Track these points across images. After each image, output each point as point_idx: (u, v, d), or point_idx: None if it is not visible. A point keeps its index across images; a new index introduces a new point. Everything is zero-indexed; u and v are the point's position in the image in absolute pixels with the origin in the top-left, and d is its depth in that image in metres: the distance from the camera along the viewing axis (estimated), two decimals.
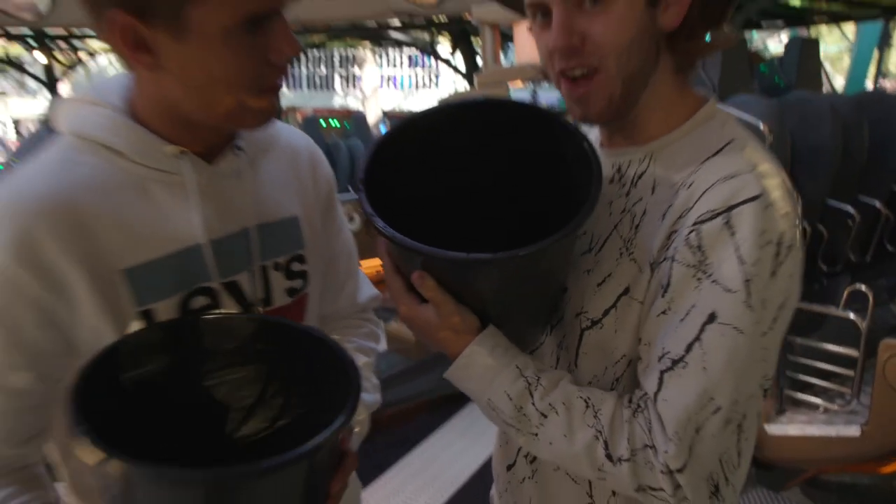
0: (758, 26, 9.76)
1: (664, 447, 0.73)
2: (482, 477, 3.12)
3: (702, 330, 0.72)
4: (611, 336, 0.82)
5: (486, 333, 0.79)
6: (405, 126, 0.82)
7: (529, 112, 0.82)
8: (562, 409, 0.78)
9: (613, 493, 0.87)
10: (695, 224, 0.73)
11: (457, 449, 3.60)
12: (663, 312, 0.76)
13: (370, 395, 1.02)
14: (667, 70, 0.82)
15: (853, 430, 1.92)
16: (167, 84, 0.72)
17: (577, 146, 0.77)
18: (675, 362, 0.74)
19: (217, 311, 0.80)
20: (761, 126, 2.10)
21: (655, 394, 0.75)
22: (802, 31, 12.52)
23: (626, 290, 0.80)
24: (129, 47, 0.68)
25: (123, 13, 0.66)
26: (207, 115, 0.74)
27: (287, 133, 0.94)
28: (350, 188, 6.72)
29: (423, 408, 4.11)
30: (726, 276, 0.72)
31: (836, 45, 18.79)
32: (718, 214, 0.72)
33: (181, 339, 0.73)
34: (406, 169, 0.80)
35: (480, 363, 0.79)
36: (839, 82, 14.52)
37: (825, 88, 11.28)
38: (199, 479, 0.57)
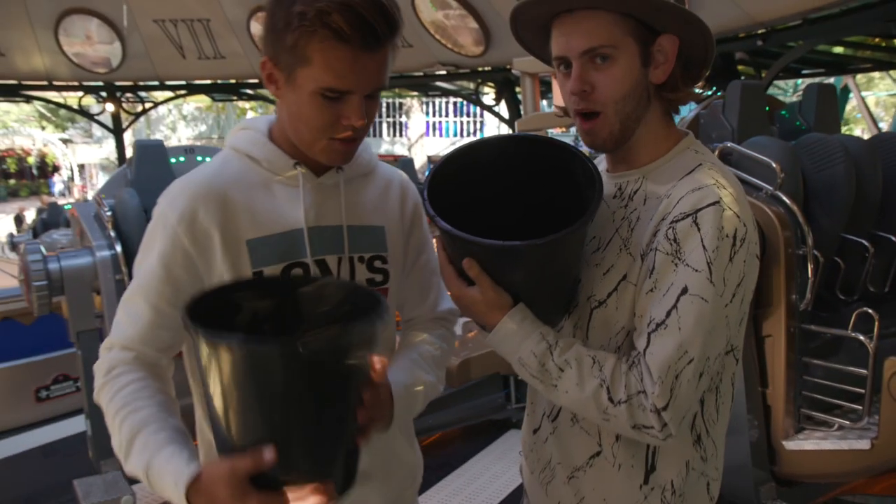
0: (798, 74, 9.87)
1: (651, 389, 0.97)
2: (516, 498, 3.27)
3: (677, 300, 0.97)
4: (613, 313, 1.07)
5: (517, 308, 1.04)
6: (458, 151, 1.11)
7: (553, 143, 1.11)
8: (574, 364, 1.02)
9: (616, 438, 1.09)
10: (671, 223, 0.99)
11: (493, 472, 3.75)
12: (650, 290, 1.01)
13: (429, 376, 1.20)
14: (656, 112, 1.09)
15: (864, 444, 2.05)
16: (283, 110, 1.06)
17: (586, 168, 1.05)
18: (658, 325, 0.98)
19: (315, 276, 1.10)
20: (773, 165, 2.31)
21: (645, 349, 0.99)
22: (848, 79, 12.56)
23: (625, 277, 1.06)
24: (267, 77, 1.03)
25: (268, 59, 1.02)
26: (298, 140, 1.06)
27: (385, 168, 1.24)
28: None
29: (462, 434, 4.29)
30: (694, 260, 0.97)
31: (887, 90, 18.64)
32: (688, 216, 0.98)
33: (286, 289, 1.00)
34: (457, 182, 1.08)
35: (513, 329, 1.04)
36: (884, 126, 14.35)
37: (872, 131, 11.17)
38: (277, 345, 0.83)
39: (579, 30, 1.03)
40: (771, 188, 2.34)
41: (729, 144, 2.53)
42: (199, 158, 3.87)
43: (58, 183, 27.38)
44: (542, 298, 1.08)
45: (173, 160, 3.65)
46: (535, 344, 1.03)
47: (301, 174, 1.09)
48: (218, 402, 0.87)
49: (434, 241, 1.14)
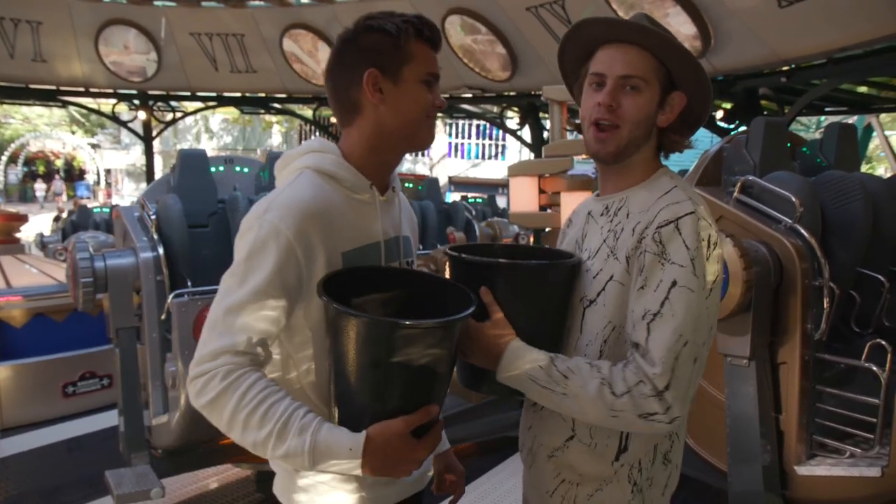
0: (821, 111, 9.93)
1: (653, 370, 1.13)
2: None
3: (668, 292, 1.16)
4: (601, 308, 1.26)
5: (518, 338, 1.25)
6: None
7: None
8: (576, 370, 1.19)
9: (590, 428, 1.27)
10: (657, 229, 1.20)
11: (507, 488, 3.83)
12: (641, 288, 1.19)
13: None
14: (651, 148, 1.32)
15: (874, 472, 2.12)
16: (385, 112, 1.25)
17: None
18: (655, 315, 1.16)
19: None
20: (793, 199, 2.41)
21: (647, 338, 1.16)
22: (871, 118, 12.59)
23: (612, 277, 1.26)
24: (371, 90, 1.24)
25: (374, 69, 1.24)
26: (404, 126, 1.26)
27: (399, 184, 1.43)
28: (421, 245, 7.19)
29: (478, 449, 4.37)
30: (679, 257, 1.17)
31: None
32: (671, 222, 1.19)
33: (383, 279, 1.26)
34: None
35: (521, 346, 1.23)
36: None
37: (894, 170, 11.10)
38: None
39: (625, 58, 1.26)
40: (790, 221, 2.44)
41: (750, 178, 2.64)
42: (238, 169, 4.02)
43: (81, 187, 27.88)
44: (534, 329, 1.28)
45: (213, 169, 3.81)
46: (540, 357, 1.22)
47: (376, 194, 1.30)
48: (364, 376, 1.09)
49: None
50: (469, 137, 21.38)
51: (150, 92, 11.35)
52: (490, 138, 21.00)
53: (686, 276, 1.16)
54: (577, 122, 1.35)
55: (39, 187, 27.52)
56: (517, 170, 4.18)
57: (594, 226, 1.35)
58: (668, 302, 1.16)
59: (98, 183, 27.90)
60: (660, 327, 1.15)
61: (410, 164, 21.90)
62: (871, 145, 15.14)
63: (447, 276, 1.37)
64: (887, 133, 13.68)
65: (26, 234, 8.83)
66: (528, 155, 10.81)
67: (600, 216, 1.34)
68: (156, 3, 9.63)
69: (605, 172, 1.36)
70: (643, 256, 1.20)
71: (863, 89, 8.47)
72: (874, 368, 2.20)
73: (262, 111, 14.20)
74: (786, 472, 2.41)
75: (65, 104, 12.31)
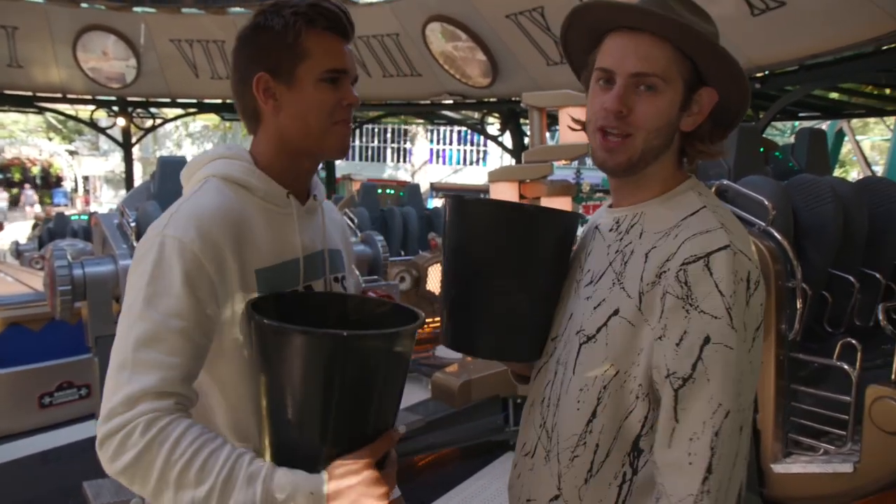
0: (795, 117, 10.13)
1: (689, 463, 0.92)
2: None
3: (701, 351, 0.93)
4: (602, 348, 1.02)
5: None
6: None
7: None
8: None
9: (585, 481, 1.04)
10: (682, 265, 0.95)
11: (490, 493, 3.83)
12: (660, 338, 0.96)
13: None
14: (673, 155, 1.07)
15: (847, 468, 2.17)
16: (283, 120, 1.10)
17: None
18: (685, 380, 0.93)
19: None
20: (766, 203, 2.47)
21: (675, 408, 0.94)
22: (843, 123, 12.86)
23: (616, 311, 1.01)
24: (263, 96, 1.09)
25: (265, 73, 1.09)
26: (307, 136, 1.11)
27: (322, 192, 1.28)
28: (402, 252, 7.21)
29: (461, 454, 4.38)
30: (711, 307, 0.93)
31: (881, 135, 19.00)
32: (700, 258, 0.94)
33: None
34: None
35: None
36: (879, 170, 14.65)
37: (866, 174, 11.40)
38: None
39: (638, 52, 1.00)
40: (763, 224, 2.49)
41: (725, 182, 2.69)
42: None
43: (58, 194, 27.46)
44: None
45: None
46: None
47: (294, 203, 1.15)
48: (314, 402, 0.95)
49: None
50: (450, 143, 21.44)
51: (130, 98, 11.26)
52: (471, 144, 21.08)
53: (722, 331, 0.92)
54: (583, 122, 1.11)
55: (2, 196, 26.74)
56: (497, 176, 4.21)
57: (601, 243, 1.11)
58: (700, 364, 0.93)
59: (76, 190, 27.51)
60: (691, 394, 0.94)
61: (392, 171, 21.91)
62: (844, 150, 15.47)
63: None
64: (858, 138, 13.98)
65: (1, 242, 8.68)
66: (509, 161, 10.88)
67: (609, 231, 1.10)
68: (135, 9, 9.56)
69: (616, 184, 1.12)
70: (665, 299, 0.96)
71: (834, 95, 8.66)
72: (845, 367, 2.25)
73: None
74: (763, 470, 2.45)
75: (41, 110, 12.17)
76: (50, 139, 27.47)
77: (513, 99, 8.70)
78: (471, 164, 20.89)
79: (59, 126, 25.89)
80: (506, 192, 4.12)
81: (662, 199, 1.06)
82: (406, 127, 20.96)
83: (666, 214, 1.04)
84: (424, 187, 19.49)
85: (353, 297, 1.22)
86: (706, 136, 1.07)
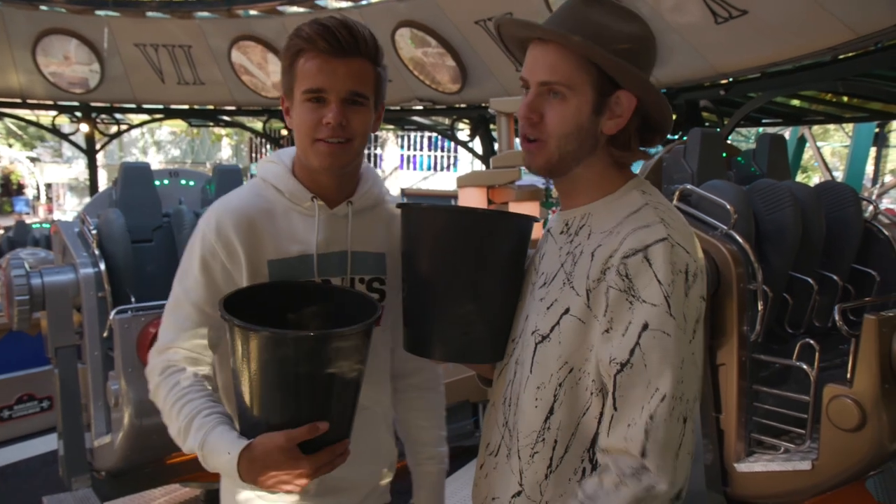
0: (759, 123, 10.37)
1: (628, 446, 0.95)
2: None
3: (639, 337, 0.96)
4: (556, 346, 1.06)
5: None
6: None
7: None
8: None
9: (546, 476, 1.08)
10: (622, 258, 1.00)
11: (460, 497, 3.80)
12: (606, 331, 1.00)
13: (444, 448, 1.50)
14: (603, 159, 1.11)
15: (806, 465, 2.21)
16: (295, 136, 1.24)
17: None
18: (623, 365, 0.97)
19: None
20: (728, 207, 2.51)
21: (613, 393, 0.97)
22: (804, 130, 13.19)
23: (567, 310, 1.06)
24: (285, 112, 1.26)
25: (283, 94, 1.26)
26: (301, 152, 1.24)
27: (391, 202, 1.40)
28: None
29: None
30: (650, 295, 0.97)
31: (840, 142, 19.58)
32: (638, 251, 0.99)
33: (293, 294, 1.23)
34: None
35: None
36: (839, 175, 15.08)
37: (826, 178, 11.76)
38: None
39: (545, 61, 1.06)
40: (725, 227, 2.54)
41: (688, 186, 2.74)
42: (183, 182, 3.94)
43: (19, 202, 26.76)
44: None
45: (158, 182, 3.73)
46: None
47: (317, 206, 1.28)
48: (254, 388, 1.07)
49: None
50: (421, 149, 21.45)
51: (94, 104, 11.03)
52: (442, 150, 21.12)
53: (661, 318, 0.96)
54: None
55: None
56: (466, 181, 4.24)
57: (553, 245, 1.15)
58: (638, 349, 0.96)
59: (38, 198, 26.83)
60: (629, 381, 0.97)
61: None
62: (806, 156, 15.88)
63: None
64: (819, 144, 14.38)
65: None
66: (479, 166, 10.93)
67: (560, 234, 1.15)
68: (97, 12, 9.39)
69: (557, 187, 1.17)
70: (608, 293, 1.00)
71: (796, 103, 8.89)
72: (804, 367, 2.30)
73: (211, 124, 13.96)
74: (726, 469, 2.49)
75: (0, 116, 11.85)
76: (10, 146, 26.76)
77: (482, 105, 8.72)
78: (442, 169, 20.91)
79: (20, 132, 25.24)
80: (474, 198, 4.14)
81: (608, 199, 1.11)
82: (376, 133, 20.93)
83: (611, 214, 1.08)
84: (395, 193, 19.44)
85: (350, 291, 1.30)
86: (632, 141, 1.10)
